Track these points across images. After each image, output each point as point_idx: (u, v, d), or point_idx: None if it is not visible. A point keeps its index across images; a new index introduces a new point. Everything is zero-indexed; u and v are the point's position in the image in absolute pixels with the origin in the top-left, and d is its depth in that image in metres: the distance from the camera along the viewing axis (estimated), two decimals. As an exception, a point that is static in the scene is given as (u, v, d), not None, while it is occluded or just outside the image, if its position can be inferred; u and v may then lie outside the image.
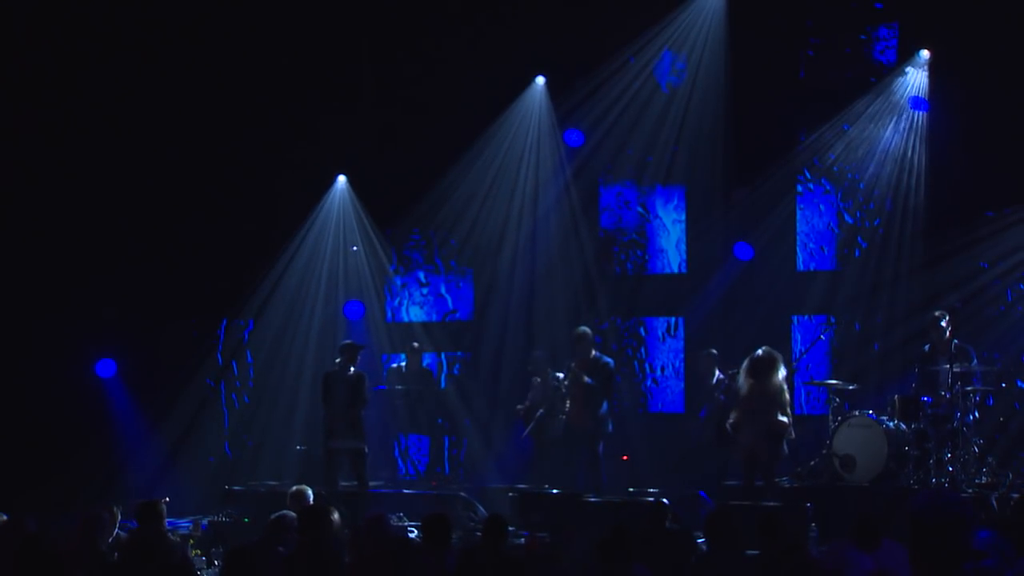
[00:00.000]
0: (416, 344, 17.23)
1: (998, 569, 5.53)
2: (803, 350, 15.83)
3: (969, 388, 13.58)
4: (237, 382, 18.27)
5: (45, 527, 10.21)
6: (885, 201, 16.01)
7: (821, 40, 16.63)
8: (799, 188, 16.72)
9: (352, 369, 14.26)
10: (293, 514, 9.66)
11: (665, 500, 12.20)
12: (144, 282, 16.97)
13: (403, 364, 17.20)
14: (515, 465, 15.88)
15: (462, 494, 14.99)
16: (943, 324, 13.65)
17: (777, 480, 13.58)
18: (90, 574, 9.23)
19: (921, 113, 15.72)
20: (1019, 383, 15.00)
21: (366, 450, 14.33)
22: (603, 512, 12.63)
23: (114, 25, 16.69)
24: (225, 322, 18.15)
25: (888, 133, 15.97)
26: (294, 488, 11.67)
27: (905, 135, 15.84)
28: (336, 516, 9.43)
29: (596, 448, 14.52)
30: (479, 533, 10.59)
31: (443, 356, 18.22)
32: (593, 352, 14.61)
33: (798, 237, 16.69)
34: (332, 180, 18.03)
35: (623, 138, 17.16)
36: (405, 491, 15.68)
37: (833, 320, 16.31)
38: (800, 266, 16.69)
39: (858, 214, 16.38)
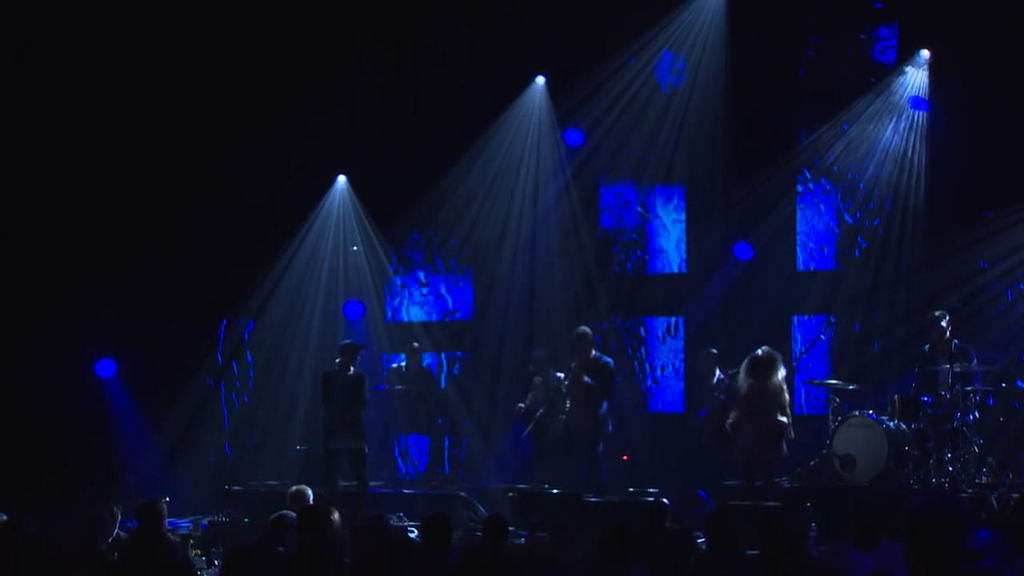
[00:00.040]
0: (416, 344, 17.23)
1: (997, 569, 5.54)
2: (803, 350, 15.83)
3: (969, 388, 13.58)
4: (237, 382, 18.27)
5: (45, 527, 10.21)
6: (885, 201, 16.01)
7: (821, 40, 16.62)
8: (799, 188, 16.72)
9: (352, 369, 14.26)
10: (293, 514, 9.67)
11: (665, 500, 12.18)
12: (144, 282, 16.97)
13: (403, 364, 17.20)
14: (515, 465, 15.88)
15: (462, 494, 14.98)
16: (943, 324, 13.65)
17: (777, 480, 13.58)
18: (90, 574, 9.23)
19: (921, 113, 15.71)
20: (1019, 383, 15.00)
21: (366, 450, 14.33)
22: (603, 512, 12.63)
23: (115, 26, 16.68)
24: (225, 322, 18.15)
25: (888, 133, 15.97)
26: (294, 488, 11.67)
27: (905, 135, 15.84)
28: (336, 516, 9.42)
29: (596, 448, 14.52)
30: (479, 533, 10.59)
31: (443, 356, 18.22)
32: (593, 352, 14.61)
33: (798, 237, 16.69)
34: (332, 180, 18.03)
35: (623, 138, 17.16)
36: (405, 491, 15.68)
37: (833, 320, 16.30)
38: (800, 266, 16.69)
39: (858, 214, 16.38)
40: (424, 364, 17.45)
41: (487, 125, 17.38)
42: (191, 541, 12.87)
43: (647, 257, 17.62)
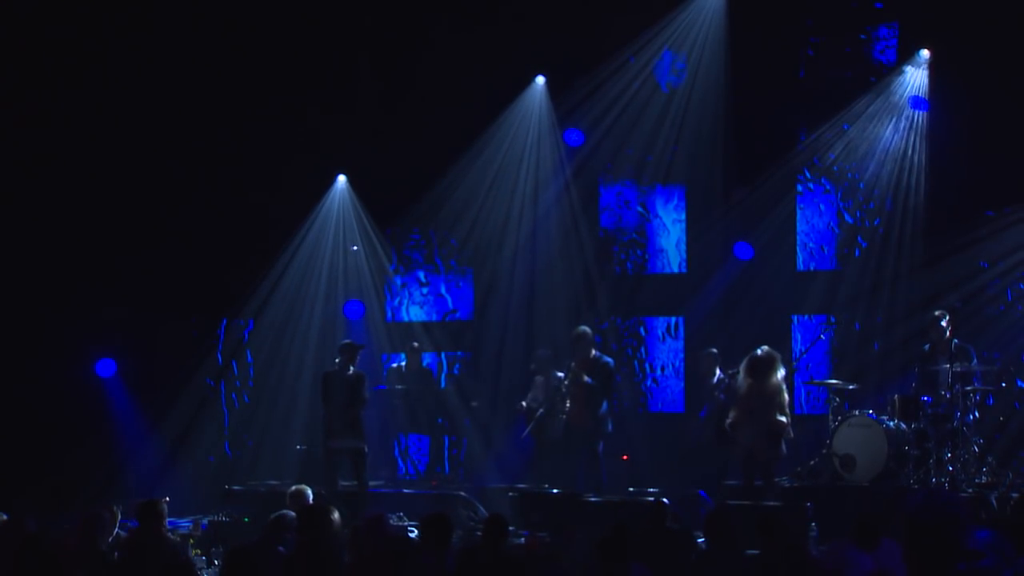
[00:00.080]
0: (416, 344, 17.23)
1: (995, 569, 5.53)
2: (803, 350, 15.84)
3: (969, 388, 13.58)
4: (237, 382, 18.26)
5: (45, 527, 10.21)
6: (885, 201, 16.02)
7: (821, 40, 16.63)
8: (799, 188, 16.72)
9: (352, 369, 14.26)
10: (293, 514, 9.67)
11: (665, 500, 12.15)
12: (144, 282, 16.96)
13: (403, 364, 17.20)
14: (515, 465, 15.88)
15: (462, 494, 14.99)
16: (943, 324, 13.65)
17: (777, 480, 13.58)
18: (90, 574, 9.23)
19: (921, 112, 15.72)
20: (1019, 382, 15.00)
21: (366, 450, 14.34)
22: (603, 512, 12.63)
23: (115, 25, 16.68)
24: (225, 322, 18.14)
25: (888, 132, 15.98)
26: (294, 488, 11.67)
27: (905, 134, 15.85)
28: (336, 516, 9.42)
29: (596, 448, 14.52)
30: (479, 533, 10.59)
31: (443, 356, 18.22)
32: (593, 352, 14.61)
33: (798, 237, 16.69)
34: (332, 180, 18.03)
35: (623, 138, 17.16)
36: (405, 491, 15.68)
37: (833, 320, 16.31)
38: (800, 266, 16.70)
39: (858, 214, 16.38)
40: (424, 364, 17.45)
41: (487, 125, 17.38)
42: (191, 541, 12.87)
43: (647, 257, 17.62)
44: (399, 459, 17.84)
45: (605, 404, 14.53)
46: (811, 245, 16.71)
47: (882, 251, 15.88)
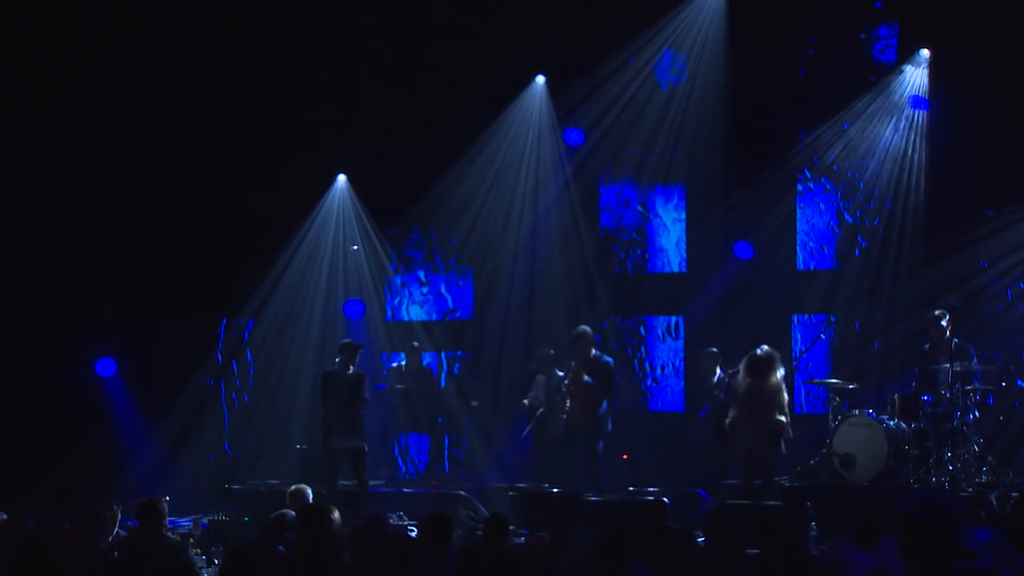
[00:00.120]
0: (416, 343, 17.23)
1: (993, 568, 5.52)
2: (803, 349, 15.84)
3: (969, 387, 13.58)
4: (237, 381, 18.26)
5: (45, 527, 10.21)
6: (885, 200, 16.01)
7: (821, 39, 16.63)
8: (799, 187, 16.72)
9: (351, 368, 14.26)
10: (293, 513, 9.67)
11: (665, 499, 12.18)
12: (144, 281, 16.96)
13: (403, 363, 17.20)
14: (515, 464, 15.88)
15: (462, 493, 14.99)
16: (943, 323, 13.65)
17: (777, 479, 13.58)
18: (90, 573, 9.23)
19: (921, 112, 15.71)
20: (1019, 382, 15.00)
21: (366, 449, 14.34)
22: (603, 511, 12.63)
23: (116, 26, 16.68)
24: (225, 321, 18.14)
25: (888, 132, 15.97)
26: (294, 487, 11.68)
27: (905, 134, 15.84)
28: (336, 515, 9.43)
29: (596, 447, 14.52)
30: (479, 532, 10.59)
31: (443, 355, 18.23)
32: (593, 351, 14.61)
33: (798, 236, 16.69)
34: (332, 180, 18.04)
35: (623, 137, 17.16)
36: (405, 490, 15.69)
37: (833, 319, 16.31)
38: (800, 265, 16.70)
39: (858, 213, 16.38)
40: (424, 363, 17.45)
41: (487, 125, 17.39)
42: (191, 540, 12.86)
43: (647, 256, 17.63)
44: (399, 458, 17.85)
45: (605, 403, 14.53)
46: (811, 244, 16.71)
47: (882, 251, 15.88)
